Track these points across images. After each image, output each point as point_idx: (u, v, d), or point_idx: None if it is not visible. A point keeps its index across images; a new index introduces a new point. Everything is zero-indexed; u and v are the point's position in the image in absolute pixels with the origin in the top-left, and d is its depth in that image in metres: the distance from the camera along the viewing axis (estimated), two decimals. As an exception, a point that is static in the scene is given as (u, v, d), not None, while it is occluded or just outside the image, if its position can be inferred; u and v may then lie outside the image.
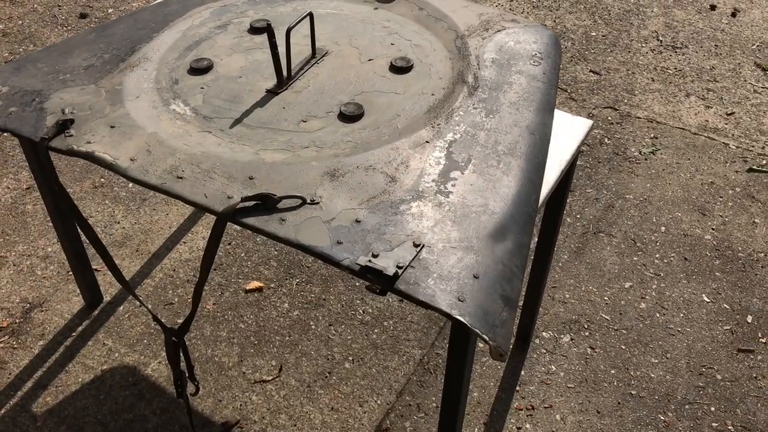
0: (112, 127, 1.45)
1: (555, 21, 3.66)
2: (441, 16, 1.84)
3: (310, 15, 1.64)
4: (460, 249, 1.21)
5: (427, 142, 1.44)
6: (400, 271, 1.15)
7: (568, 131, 1.68)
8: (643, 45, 3.50)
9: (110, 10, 3.61)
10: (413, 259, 1.18)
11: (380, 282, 1.15)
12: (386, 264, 1.17)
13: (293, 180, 1.34)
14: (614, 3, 3.82)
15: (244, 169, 1.36)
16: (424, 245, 1.21)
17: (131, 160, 1.37)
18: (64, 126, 1.44)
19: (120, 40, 1.74)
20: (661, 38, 3.55)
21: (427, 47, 1.74)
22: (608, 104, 3.12)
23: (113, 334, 2.12)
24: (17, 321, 2.15)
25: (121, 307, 2.20)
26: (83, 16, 3.56)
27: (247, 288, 2.27)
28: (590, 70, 3.32)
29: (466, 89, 1.59)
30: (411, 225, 1.25)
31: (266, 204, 1.27)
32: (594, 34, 3.57)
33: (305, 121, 1.50)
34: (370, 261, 1.17)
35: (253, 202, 1.27)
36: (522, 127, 1.50)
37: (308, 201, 1.29)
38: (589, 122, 1.71)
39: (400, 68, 1.65)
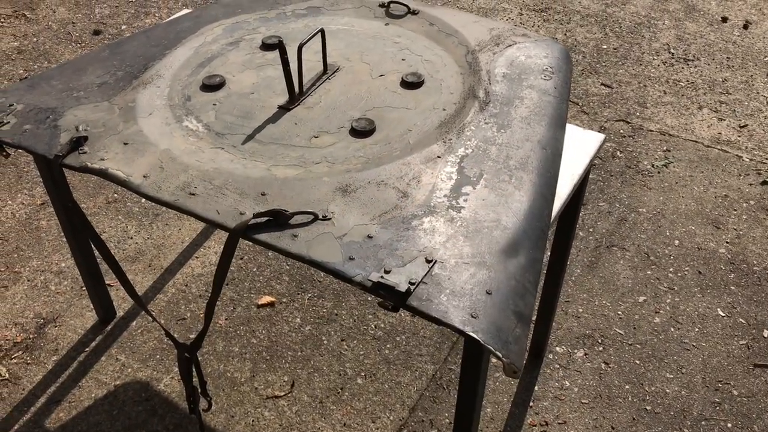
0: (125, 143, 1.46)
1: (566, 34, 3.66)
2: (452, 32, 1.84)
3: (322, 31, 1.65)
4: (473, 265, 1.21)
5: (438, 157, 1.44)
6: (412, 288, 1.15)
7: (580, 145, 1.67)
8: (655, 58, 3.49)
9: (123, 27, 3.65)
10: (425, 275, 1.18)
11: (393, 298, 1.14)
12: (398, 280, 1.16)
13: (305, 196, 1.34)
14: (625, 16, 3.82)
15: (256, 185, 1.36)
16: (436, 261, 1.21)
17: (144, 176, 1.37)
18: (77, 143, 1.46)
19: (133, 57, 1.76)
20: (672, 51, 3.55)
21: (438, 62, 1.74)
22: (620, 117, 3.11)
23: (126, 349, 2.13)
24: (31, 336, 2.16)
25: (134, 322, 2.21)
26: (97, 33, 3.60)
27: (259, 303, 2.28)
28: (602, 83, 3.32)
29: (477, 104, 1.59)
30: (423, 240, 1.25)
31: (278, 220, 1.28)
32: (605, 47, 3.57)
33: (317, 137, 1.50)
34: (382, 277, 1.17)
35: (265, 218, 1.27)
36: (534, 141, 1.49)
37: (320, 217, 1.29)
38: (601, 136, 1.71)
39: (411, 83, 1.66)
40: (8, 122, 1.53)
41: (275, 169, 1.41)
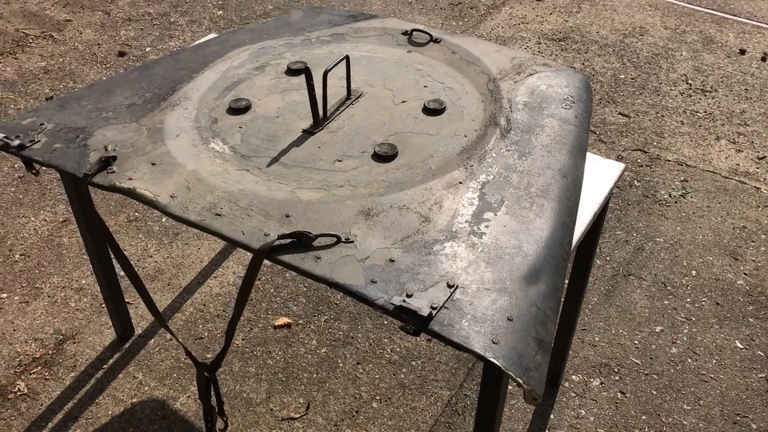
0: (153, 164, 1.48)
1: (584, 64, 3.68)
2: (473, 60, 1.87)
3: (346, 58, 1.68)
4: (494, 291, 1.22)
5: (460, 182, 1.46)
6: (434, 312, 1.16)
7: (600, 174, 1.68)
8: (672, 88, 3.51)
9: (148, 49, 3.71)
10: (447, 299, 1.19)
11: (415, 322, 1.15)
12: (420, 304, 1.17)
13: (328, 218, 1.36)
14: (643, 46, 3.84)
15: (280, 207, 1.38)
16: (457, 286, 1.22)
17: (171, 196, 1.40)
18: (106, 163, 1.49)
19: (161, 79, 1.80)
20: (690, 82, 3.56)
21: (460, 90, 1.76)
22: (638, 147, 3.12)
23: (143, 367, 2.14)
24: (50, 352, 2.18)
25: (152, 341, 2.22)
26: (122, 54, 3.66)
27: (276, 324, 2.29)
28: (619, 113, 3.34)
29: (498, 131, 1.61)
30: (445, 265, 1.26)
31: (302, 242, 1.29)
32: (623, 76, 3.59)
33: (340, 161, 1.52)
34: (404, 301, 1.18)
35: (289, 240, 1.29)
36: (554, 169, 1.51)
37: (343, 239, 1.31)
38: (621, 165, 1.72)
39: (433, 110, 1.68)
40: (39, 141, 1.57)
41: (299, 192, 1.43)
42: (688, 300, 2.40)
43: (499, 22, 4.06)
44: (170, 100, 1.71)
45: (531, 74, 1.82)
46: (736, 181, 2.93)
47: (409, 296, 1.19)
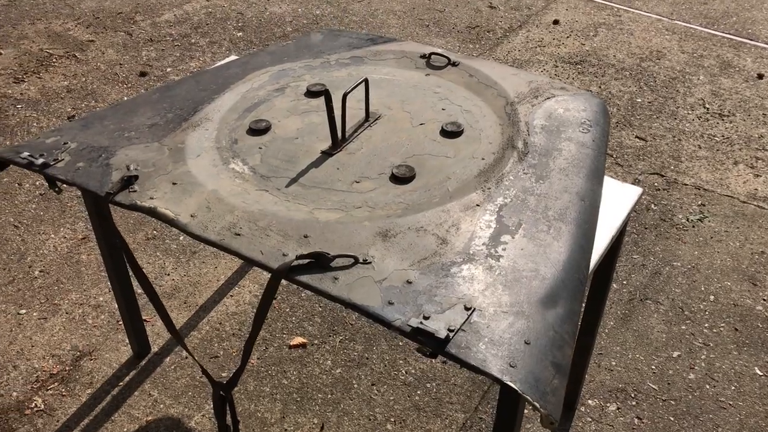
0: (174, 183, 1.50)
1: (600, 87, 3.69)
2: (491, 83, 1.88)
3: (366, 81, 1.70)
4: (512, 314, 1.22)
5: (477, 205, 1.46)
6: (451, 335, 1.16)
7: (618, 198, 1.68)
8: (690, 112, 3.50)
9: (168, 69, 3.77)
10: (464, 322, 1.19)
11: (432, 345, 1.15)
12: (437, 326, 1.18)
13: (346, 239, 1.37)
14: (660, 70, 3.84)
15: (299, 227, 1.39)
16: (475, 309, 1.22)
17: (192, 216, 1.42)
18: (128, 182, 1.51)
19: (182, 100, 1.82)
20: (707, 106, 3.56)
21: (477, 113, 1.78)
22: (654, 170, 3.12)
23: (159, 385, 2.15)
24: (67, 368, 2.20)
25: (168, 359, 2.23)
26: (143, 74, 3.72)
27: (291, 344, 2.29)
28: (636, 136, 3.33)
29: (516, 154, 1.61)
30: (462, 288, 1.26)
31: (320, 262, 1.30)
32: (640, 100, 3.60)
33: (358, 182, 1.54)
34: (421, 323, 1.18)
35: (307, 260, 1.30)
36: (572, 193, 1.51)
37: (361, 260, 1.31)
38: (638, 190, 1.72)
39: (451, 133, 1.69)
40: (62, 159, 1.60)
41: (317, 213, 1.44)
42: (706, 325, 2.38)
43: (516, 45, 4.08)
44: (191, 120, 1.74)
45: (548, 98, 1.83)
46: (755, 206, 2.92)
47: (426, 318, 1.20)
